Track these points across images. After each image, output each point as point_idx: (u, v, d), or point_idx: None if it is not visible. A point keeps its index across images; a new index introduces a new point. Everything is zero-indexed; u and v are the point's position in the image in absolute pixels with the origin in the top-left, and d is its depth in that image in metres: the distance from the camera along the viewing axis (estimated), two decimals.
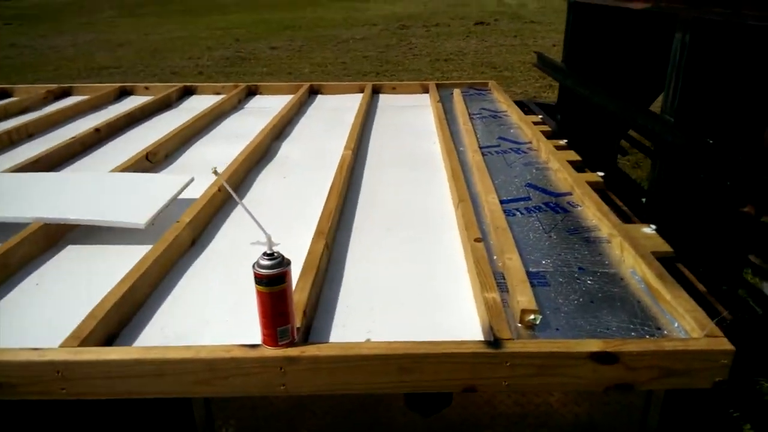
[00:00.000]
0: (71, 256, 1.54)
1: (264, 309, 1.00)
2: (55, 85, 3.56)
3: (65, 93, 3.55)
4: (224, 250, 1.55)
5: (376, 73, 8.56)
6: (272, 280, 0.98)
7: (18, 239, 1.48)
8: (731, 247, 1.62)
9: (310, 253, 1.36)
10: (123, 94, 3.54)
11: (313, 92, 3.55)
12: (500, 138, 2.43)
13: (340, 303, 1.28)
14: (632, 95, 2.43)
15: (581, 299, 1.19)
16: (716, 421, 1.59)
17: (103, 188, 1.76)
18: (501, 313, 1.09)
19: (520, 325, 1.10)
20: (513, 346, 1.00)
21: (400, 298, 1.28)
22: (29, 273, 1.44)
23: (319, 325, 1.20)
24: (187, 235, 1.55)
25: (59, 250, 1.57)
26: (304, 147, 2.47)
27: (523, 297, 1.12)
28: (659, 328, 1.08)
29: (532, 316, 1.09)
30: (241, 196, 1.92)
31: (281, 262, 0.99)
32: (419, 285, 1.34)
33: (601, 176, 1.96)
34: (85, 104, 3.14)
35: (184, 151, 2.44)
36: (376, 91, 3.51)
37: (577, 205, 1.69)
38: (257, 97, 3.52)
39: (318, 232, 1.47)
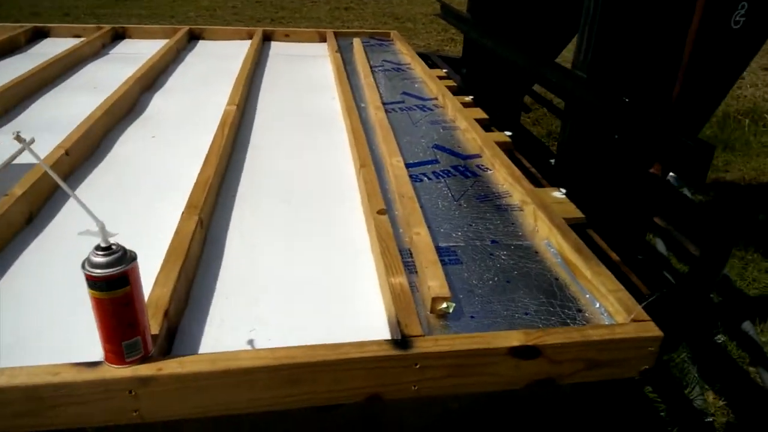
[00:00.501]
0: None
1: (103, 320, 0.75)
2: None
3: None
4: (69, 232, 1.24)
5: (270, 20, 7.99)
6: (111, 283, 0.73)
7: None
8: (639, 210, 1.58)
9: (177, 233, 1.10)
10: None
11: (194, 37, 3.13)
12: (404, 93, 2.24)
13: (217, 295, 1.05)
14: (541, 48, 2.33)
15: (496, 278, 1.06)
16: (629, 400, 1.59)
17: None
18: (410, 303, 0.92)
19: (430, 314, 0.95)
20: (423, 345, 0.84)
21: (292, 287, 1.08)
22: None
23: (187, 325, 0.96)
24: (19, 212, 1.23)
25: None
26: (179, 100, 2.13)
27: (435, 281, 0.96)
28: (580, 310, 0.98)
29: (444, 305, 0.93)
30: (98, 161, 1.59)
31: (122, 258, 0.74)
32: (315, 269, 1.14)
33: (509, 136, 1.86)
34: None
35: (29, 106, 2.00)
36: (267, 38, 3.17)
37: (487, 168, 1.56)
38: (126, 41, 3.04)
39: (189, 207, 1.21)
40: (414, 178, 1.45)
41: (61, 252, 1.16)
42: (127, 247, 0.77)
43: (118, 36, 3.05)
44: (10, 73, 2.30)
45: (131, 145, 1.71)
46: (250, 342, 0.93)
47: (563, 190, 1.45)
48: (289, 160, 1.66)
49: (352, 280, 1.10)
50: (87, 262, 0.73)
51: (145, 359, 0.80)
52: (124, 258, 0.74)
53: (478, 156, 1.65)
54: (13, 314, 0.98)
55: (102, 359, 0.79)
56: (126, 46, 2.93)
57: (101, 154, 1.64)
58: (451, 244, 1.17)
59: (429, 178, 1.49)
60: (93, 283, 0.73)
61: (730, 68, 1.55)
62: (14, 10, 8.13)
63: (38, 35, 2.99)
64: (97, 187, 1.44)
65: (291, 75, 2.56)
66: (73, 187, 1.42)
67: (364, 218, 1.31)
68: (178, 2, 8.93)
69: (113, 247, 0.74)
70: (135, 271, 0.76)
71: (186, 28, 3.07)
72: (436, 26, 8.00)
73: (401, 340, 0.85)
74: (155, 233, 1.20)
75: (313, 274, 1.11)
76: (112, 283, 0.73)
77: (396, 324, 0.89)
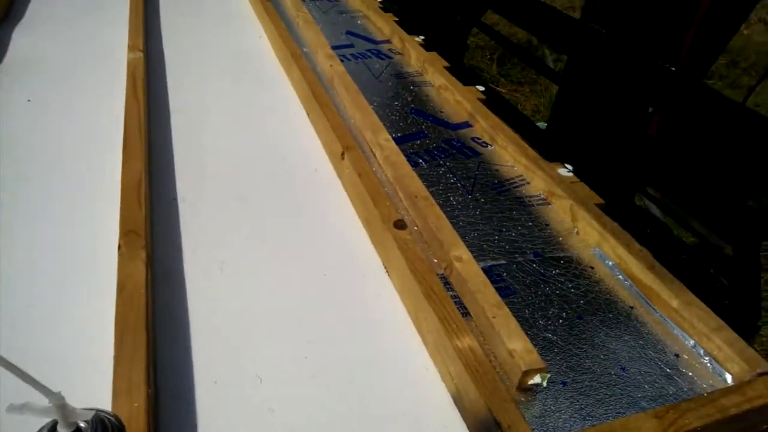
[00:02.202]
0: None
1: None
2: None
3: None
4: None
5: None
6: None
7: None
8: (632, 172, 1.43)
9: (122, 288, 0.74)
10: None
11: None
12: (349, 33, 1.86)
13: (199, 384, 0.72)
14: None
15: (564, 314, 0.84)
16: None
17: None
18: (495, 383, 0.67)
19: (514, 389, 0.72)
20: None
21: (295, 347, 0.78)
22: None
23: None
24: None
25: None
26: (49, 39, 1.57)
27: (518, 344, 0.72)
28: (677, 355, 0.80)
29: (537, 378, 0.70)
30: None
31: None
32: (321, 317, 0.84)
33: (482, 91, 1.60)
34: None
35: None
36: None
37: (486, 143, 1.30)
38: None
39: (126, 233, 0.83)
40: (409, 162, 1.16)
41: None
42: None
43: None
44: None
45: (4, 112, 1.20)
46: None
47: (569, 167, 1.25)
48: (229, 133, 1.27)
49: (372, 326, 0.83)
50: None
51: None
52: None
53: (469, 125, 1.38)
54: None
55: None
56: None
57: None
58: (491, 263, 0.92)
59: (424, 161, 1.20)
60: None
61: (733, 28, 1.40)
62: None
63: None
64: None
65: (194, 1, 2.04)
66: None
67: (363, 228, 1.01)
68: None
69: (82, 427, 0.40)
70: None
71: None
72: None
73: None
74: (74, 268, 0.83)
75: (318, 324, 0.82)
76: None
77: (480, 410, 0.65)
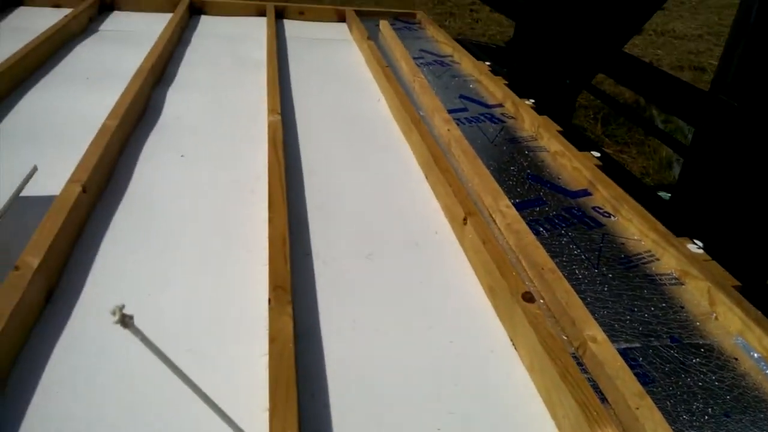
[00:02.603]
0: None
1: None
2: None
3: None
4: (96, 308, 0.91)
5: None
6: None
7: None
8: None
9: (274, 341, 0.80)
10: None
11: (195, 11, 2.71)
12: (463, 97, 1.93)
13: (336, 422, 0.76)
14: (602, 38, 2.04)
15: (710, 410, 0.80)
16: None
17: None
18: None
19: None
20: None
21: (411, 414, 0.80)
22: None
23: None
24: (37, 290, 0.89)
25: None
26: (198, 100, 1.76)
27: None
28: None
29: None
30: (118, 194, 1.24)
31: None
32: (459, 393, 0.85)
33: (598, 157, 1.58)
34: None
35: (15, 103, 1.61)
36: (279, 15, 2.77)
37: (609, 213, 1.28)
38: (115, 14, 2.59)
39: (276, 288, 0.90)
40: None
41: (90, 334, 0.84)
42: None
43: (105, 6, 2.60)
44: None
45: (156, 168, 1.36)
46: None
47: (699, 243, 1.19)
48: (355, 192, 1.34)
49: (502, 403, 0.83)
50: None
51: None
52: None
53: (588, 193, 1.37)
54: None
55: None
56: (116, 21, 2.49)
57: (121, 182, 1.29)
58: (625, 346, 0.90)
59: (545, 229, 1.21)
60: None
61: None
62: None
63: (11, 2, 2.51)
64: (125, 240, 1.10)
65: (317, 65, 2.21)
66: (95, 243, 1.08)
67: (487, 296, 1.03)
68: None
69: None
70: None
71: (186, 0, 2.64)
72: None
73: None
74: (225, 318, 0.90)
75: (449, 395, 0.83)
76: None
77: None
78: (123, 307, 0.45)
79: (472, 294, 1.05)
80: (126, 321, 0.45)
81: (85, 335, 0.87)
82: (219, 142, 1.52)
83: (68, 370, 0.81)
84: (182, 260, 1.06)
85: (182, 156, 1.43)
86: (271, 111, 1.56)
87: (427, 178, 1.42)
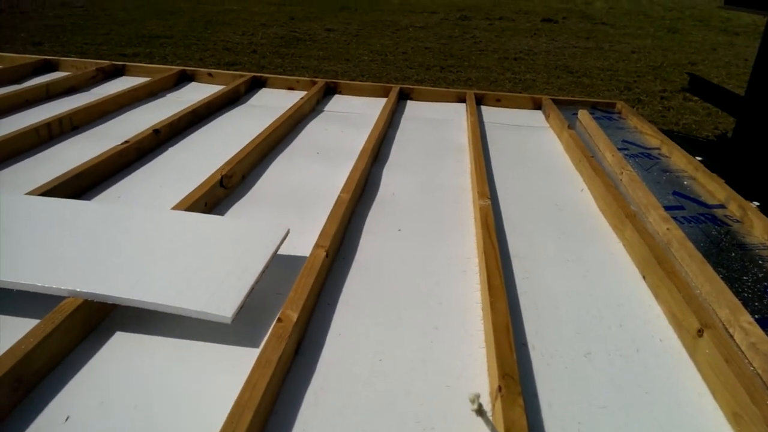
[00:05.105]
0: (121, 352, 1.03)
1: None
2: (106, 62, 3.08)
3: (118, 71, 3.07)
4: (346, 361, 1.01)
5: (440, 68, 7.96)
6: None
7: (48, 328, 0.97)
8: None
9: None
10: (183, 78, 3.04)
11: (402, 96, 2.99)
12: (677, 194, 1.83)
13: None
14: None
15: None
16: None
17: (168, 241, 1.24)
18: None
19: None
20: None
21: None
22: (56, 388, 0.94)
23: None
24: (293, 342, 1.03)
25: (101, 342, 1.06)
26: (410, 178, 1.92)
27: None
28: None
29: None
30: (347, 261, 1.39)
31: None
32: None
33: None
34: (141, 90, 2.65)
35: (263, 172, 1.91)
36: (478, 102, 2.93)
37: None
38: (337, 96, 2.97)
39: (505, 378, 0.92)
40: None
41: (333, 387, 0.93)
42: None
43: (329, 90, 3.00)
44: (235, 128, 2.29)
45: (378, 241, 1.49)
46: None
47: None
48: (564, 284, 1.33)
49: None
50: None
51: None
52: None
53: None
54: None
55: None
56: (337, 103, 2.85)
57: (349, 250, 1.44)
58: None
59: None
60: None
61: None
62: (209, 43, 8.97)
63: (255, 84, 3.03)
64: (357, 304, 1.22)
65: (515, 151, 2.27)
66: (333, 302, 1.22)
67: (728, 422, 0.93)
68: (351, 45, 9.29)
69: None
70: None
71: (397, 87, 2.94)
72: (616, 83, 7.42)
73: None
74: (447, 396, 0.93)
75: None
76: None
77: None
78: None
79: (710, 416, 0.96)
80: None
81: (329, 387, 0.97)
82: (430, 219, 1.63)
83: (314, 418, 0.91)
84: (407, 330, 1.14)
85: (399, 230, 1.56)
86: (480, 195, 1.64)
87: (644, 278, 1.36)
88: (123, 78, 3.01)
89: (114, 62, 3.12)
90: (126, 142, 1.91)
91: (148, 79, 2.84)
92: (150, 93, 2.71)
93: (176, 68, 3.05)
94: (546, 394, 0.99)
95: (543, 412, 0.95)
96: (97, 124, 2.25)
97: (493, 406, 0.91)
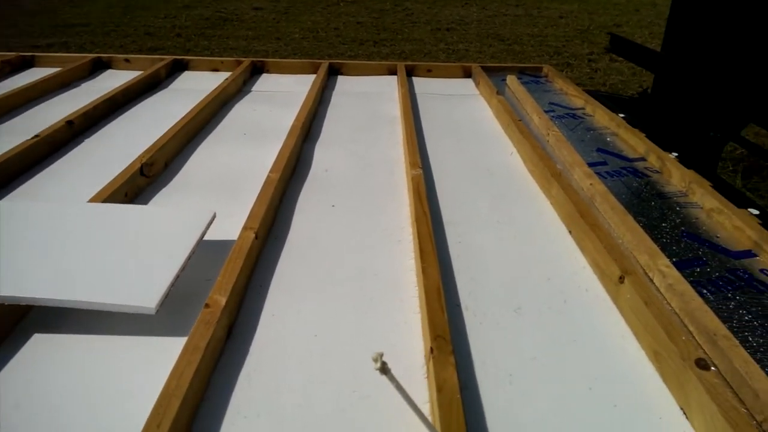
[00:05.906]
0: (40, 355, 0.97)
1: None
2: (13, 54, 2.87)
3: (27, 63, 2.87)
4: (271, 346, 1.00)
5: (373, 42, 7.89)
6: None
7: None
8: None
9: (441, 390, 0.82)
10: (98, 66, 2.87)
11: (333, 72, 2.95)
12: (600, 151, 1.90)
13: None
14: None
15: None
16: None
17: (85, 235, 1.18)
18: None
19: None
20: None
21: None
22: None
23: None
24: (222, 327, 1.00)
25: (17, 346, 1.00)
26: (343, 154, 1.90)
27: None
28: None
29: None
30: (280, 241, 1.36)
31: None
32: None
33: (757, 215, 1.47)
34: (52, 81, 2.48)
35: (188, 157, 1.84)
36: (408, 73, 2.92)
37: None
38: (264, 76, 2.89)
39: (437, 340, 0.93)
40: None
41: (267, 368, 0.92)
42: None
43: (256, 69, 2.92)
44: (156, 114, 2.20)
45: (311, 219, 1.47)
46: None
47: None
48: (496, 246, 1.36)
49: None
50: None
51: None
52: None
53: (753, 254, 1.27)
54: None
55: None
56: (265, 83, 2.77)
57: (281, 231, 1.41)
58: None
59: (709, 292, 1.14)
60: None
61: None
62: (130, 29, 8.54)
63: (177, 67, 2.91)
64: (290, 284, 1.20)
65: (447, 119, 2.28)
66: (264, 284, 1.20)
67: (650, 361, 0.98)
68: (281, 23, 9.05)
69: None
70: None
71: (326, 63, 2.89)
72: (546, 48, 7.58)
73: None
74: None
75: None
76: None
77: None
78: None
79: (633, 357, 1.01)
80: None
81: (263, 368, 0.96)
82: (364, 193, 1.62)
83: (249, 400, 0.89)
84: (342, 304, 1.13)
85: (333, 206, 1.54)
86: (412, 165, 1.64)
87: (571, 232, 1.40)
88: (33, 70, 2.81)
89: (22, 54, 2.91)
90: (36, 136, 1.79)
91: (60, 69, 2.66)
92: (62, 84, 2.54)
93: (90, 56, 2.88)
94: (479, 351, 1.01)
95: (476, 369, 0.97)
96: (4, 121, 2.10)
97: (427, 367, 0.93)
